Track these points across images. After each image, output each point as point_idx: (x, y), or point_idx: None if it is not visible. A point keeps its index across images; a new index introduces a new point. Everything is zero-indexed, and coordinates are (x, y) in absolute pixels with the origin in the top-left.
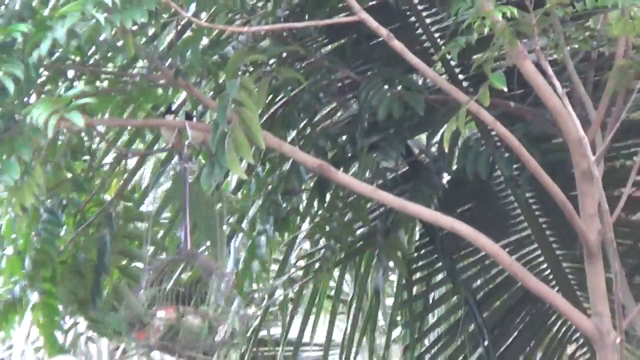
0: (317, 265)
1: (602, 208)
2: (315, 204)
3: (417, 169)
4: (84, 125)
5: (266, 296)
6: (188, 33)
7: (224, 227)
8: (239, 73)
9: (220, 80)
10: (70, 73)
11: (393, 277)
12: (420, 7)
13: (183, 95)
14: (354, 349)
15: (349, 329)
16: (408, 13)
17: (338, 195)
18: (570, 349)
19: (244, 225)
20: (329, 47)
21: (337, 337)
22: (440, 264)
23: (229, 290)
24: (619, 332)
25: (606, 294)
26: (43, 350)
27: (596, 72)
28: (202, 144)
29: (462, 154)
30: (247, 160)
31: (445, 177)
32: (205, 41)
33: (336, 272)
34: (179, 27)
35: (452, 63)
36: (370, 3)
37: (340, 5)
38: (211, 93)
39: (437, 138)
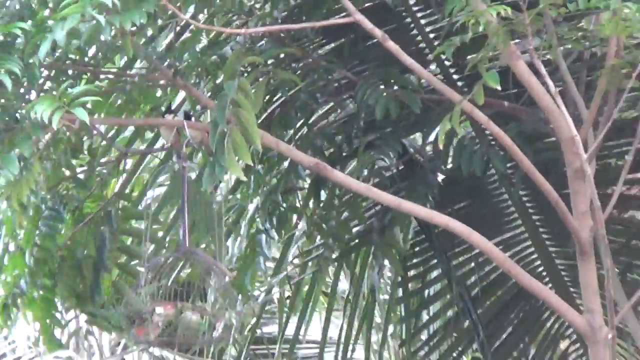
0: (313, 263)
1: (594, 206)
2: (314, 201)
3: (412, 167)
4: (85, 123)
5: (263, 294)
6: (187, 33)
7: (223, 225)
8: (237, 74)
9: (219, 81)
10: (71, 72)
11: (390, 274)
12: (415, 8)
13: (182, 95)
14: (350, 346)
15: (345, 326)
16: (404, 14)
17: (334, 193)
18: (563, 345)
19: (243, 223)
20: (326, 47)
21: (334, 334)
22: (435, 261)
23: (227, 287)
24: (610, 328)
25: (598, 291)
26: (42, 345)
27: (588, 72)
28: (201, 143)
29: (457, 153)
30: (244, 161)
31: (440, 176)
32: (204, 41)
33: (332, 270)
34: (178, 28)
35: (447, 63)
36: (366, 4)
37: (337, 6)
38: (209, 93)
39: (432, 137)
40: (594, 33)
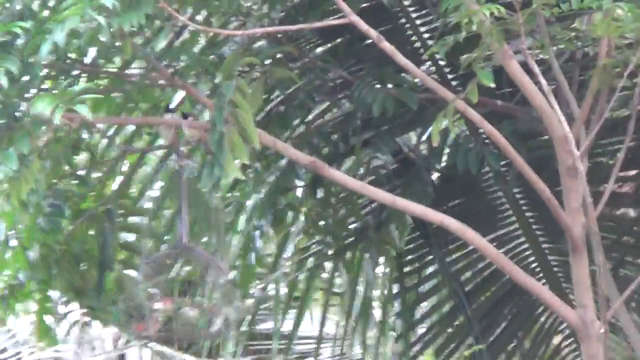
0: (310, 260)
1: (586, 202)
2: (310, 199)
3: (407, 166)
4: (85, 121)
5: (259, 290)
6: (185, 33)
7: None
8: (235, 74)
9: (217, 80)
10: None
11: (387, 270)
12: (410, 9)
13: (182, 94)
14: (346, 342)
15: (341, 322)
16: (399, 15)
17: (331, 191)
18: (556, 340)
19: (242, 220)
20: (323, 47)
21: (330, 330)
22: (430, 257)
23: (225, 282)
24: (602, 322)
25: (590, 286)
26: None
27: (581, 72)
28: (199, 142)
29: (452, 151)
30: (242, 161)
31: (435, 174)
32: (202, 41)
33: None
34: (177, 28)
35: (442, 63)
36: (362, 5)
37: (333, 7)
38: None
39: (427, 135)
40: (586, 33)
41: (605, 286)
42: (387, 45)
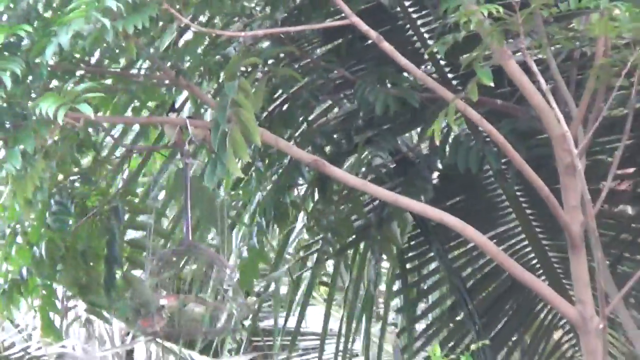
0: (313, 257)
1: (584, 200)
2: (312, 198)
3: (407, 164)
4: (90, 121)
5: (262, 287)
6: (189, 33)
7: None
8: (238, 74)
9: (221, 80)
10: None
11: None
12: (411, 9)
13: (185, 94)
14: (350, 337)
15: (345, 318)
16: (400, 15)
17: (333, 189)
18: (556, 335)
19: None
20: (325, 47)
21: (333, 326)
22: (432, 254)
23: (230, 279)
24: (601, 318)
25: (589, 282)
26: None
27: (579, 71)
28: (203, 140)
29: (453, 150)
30: (244, 159)
31: (436, 172)
32: (206, 41)
33: (331, 263)
34: (181, 28)
35: (442, 63)
36: (363, 6)
37: (335, 7)
38: (212, 92)
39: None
40: (584, 33)
41: (603, 282)
42: (386, 46)
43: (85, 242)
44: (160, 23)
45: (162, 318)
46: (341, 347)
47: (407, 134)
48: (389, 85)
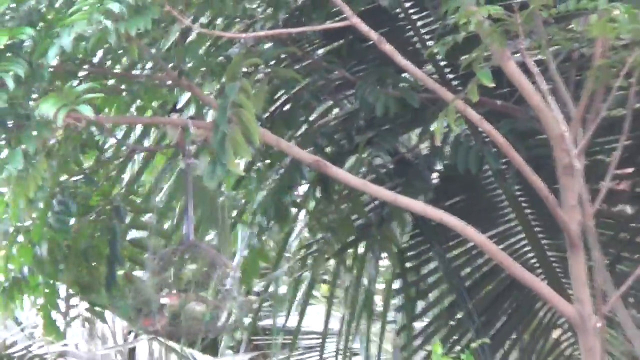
0: (314, 256)
1: (583, 200)
2: (313, 197)
3: (407, 164)
4: (92, 121)
5: (262, 286)
6: (191, 32)
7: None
8: (239, 75)
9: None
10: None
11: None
12: (411, 11)
13: (188, 94)
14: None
15: (346, 317)
16: (400, 16)
17: (334, 189)
18: (555, 334)
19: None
20: (326, 48)
21: (333, 325)
22: (431, 253)
23: (231, 278)
24: (599, 317)
25: (587, 281)
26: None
27: (577, 72)
28: (205, 141)
29: (453, 150)
30: (245, 158)
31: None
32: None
33: (332, 262)
34: (183, 29)
35: (442, 64)
36: (363, 7)
37: (336, 9)
38: (214, 94)
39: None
40: (583, 34)
41: (601, 281)
42: (387, 47)
43: (88, 241)
44: (162, 24)
45: (163, 317)
46: (341, 346)
47: (407, 135)
48: (389, 86)
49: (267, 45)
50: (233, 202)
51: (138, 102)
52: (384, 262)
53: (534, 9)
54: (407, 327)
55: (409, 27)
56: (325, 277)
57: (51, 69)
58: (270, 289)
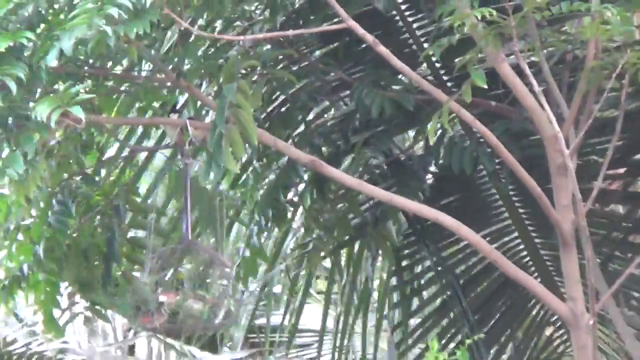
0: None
1: (575, 199)
2: (310, 197)
3: (402, 164)
4: (92, 122)
5: (260, 285)
6: (190, 33)
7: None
8: (237, 76)
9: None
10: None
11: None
12: (407, 13)
13: (186, 95)
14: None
15: (342, 315)
16: (395, 19)
17: (330, 189)
18: (548, 331)
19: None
20: (323, 50)
21: (329, 324)
22: (424, 252)
23: (228, 276)
24: (591, 315)
25: (580, 280)
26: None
27: (570, 74)
28: (203, 141)
29: (447, 151)
30: (242, 157)
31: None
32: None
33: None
34: (182, 31)
35: (437, 65)
36: (359, 10)
37: (333, 11)
38: (212, 95)
39: (423, 135)
40: (576, 36)
41: (594, 279)
42: (382, 49)
43: (88, 240)
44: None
45: (162, 314)
46: (337, 343)
47: (402, 136)
48: (385, 88)
49: (265, 47)
50: (231, 201)
51: (139, 103)
52: (379, 260)
53: (527, 12)
54: (402, 324)
55: (405, 29)
56: (322, 275)
57: (52, 70)
58: (267, 288)
